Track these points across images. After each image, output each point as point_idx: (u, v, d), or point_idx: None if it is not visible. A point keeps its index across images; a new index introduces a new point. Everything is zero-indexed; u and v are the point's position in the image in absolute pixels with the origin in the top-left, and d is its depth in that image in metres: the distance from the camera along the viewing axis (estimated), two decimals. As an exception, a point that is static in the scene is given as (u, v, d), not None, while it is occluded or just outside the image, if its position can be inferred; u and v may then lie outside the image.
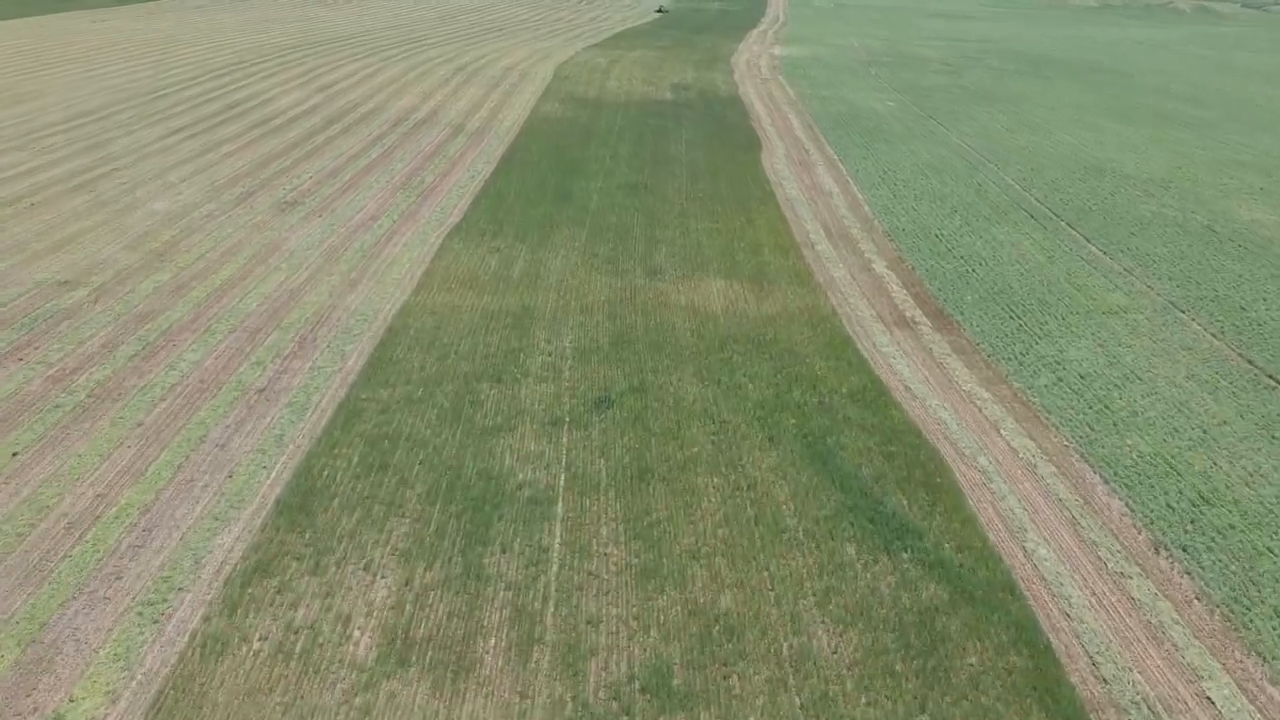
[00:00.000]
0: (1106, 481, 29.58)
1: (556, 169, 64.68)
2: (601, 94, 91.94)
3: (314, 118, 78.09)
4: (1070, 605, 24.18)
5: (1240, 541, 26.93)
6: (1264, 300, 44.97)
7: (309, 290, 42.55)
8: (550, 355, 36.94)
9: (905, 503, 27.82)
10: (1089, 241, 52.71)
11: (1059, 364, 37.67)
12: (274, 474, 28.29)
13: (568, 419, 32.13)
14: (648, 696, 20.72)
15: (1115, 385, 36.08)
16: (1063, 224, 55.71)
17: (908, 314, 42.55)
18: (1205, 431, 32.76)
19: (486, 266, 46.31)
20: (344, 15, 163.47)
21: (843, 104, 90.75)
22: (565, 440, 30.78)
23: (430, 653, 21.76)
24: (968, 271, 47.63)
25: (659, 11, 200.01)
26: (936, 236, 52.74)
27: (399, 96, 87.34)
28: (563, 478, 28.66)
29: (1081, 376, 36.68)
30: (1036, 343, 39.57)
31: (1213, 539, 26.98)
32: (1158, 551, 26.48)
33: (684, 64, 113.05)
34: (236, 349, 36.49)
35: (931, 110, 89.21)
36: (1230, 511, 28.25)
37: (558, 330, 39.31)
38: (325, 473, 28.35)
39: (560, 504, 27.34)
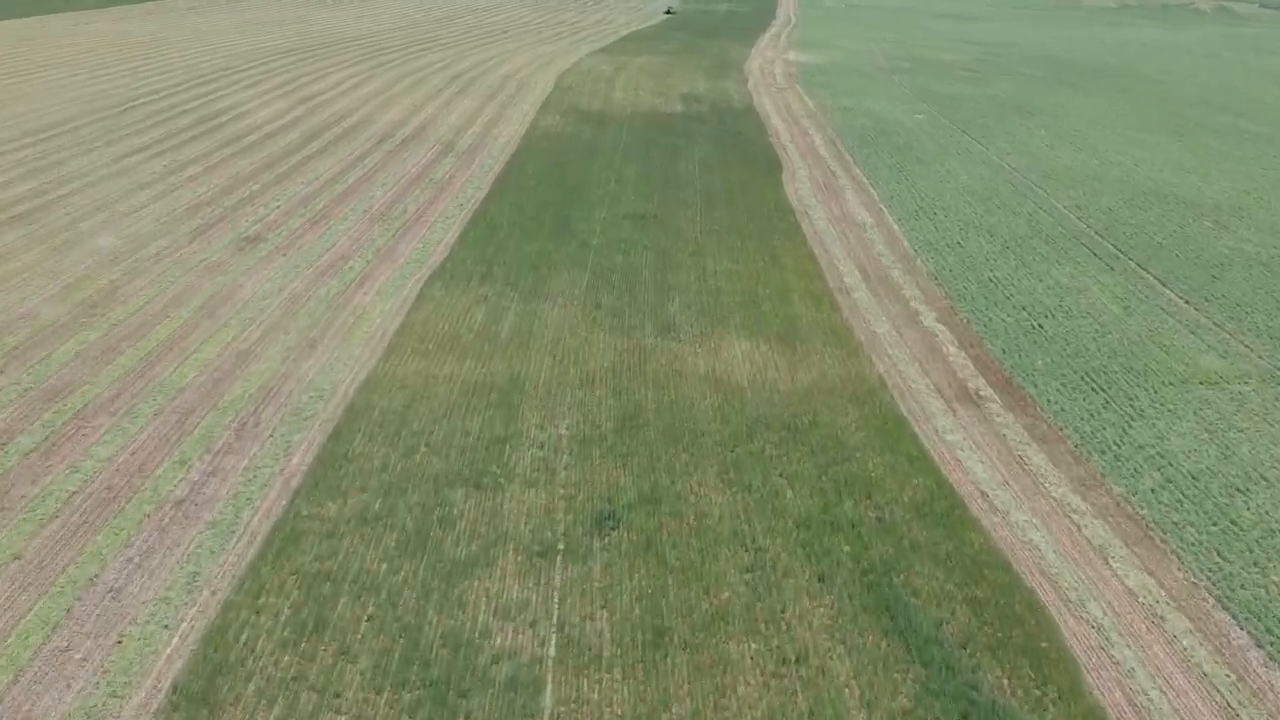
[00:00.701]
0: (1260, 644, 22.85)
1: (555, 194, 58.04)
2: (606, 105, 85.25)
3: (292, 133, 71.55)
4: None
5: None
6: (1386, 364, 38.20)
7: (259, 354, 35.95)
8: (542, 447, 30.26)
9: (1006, 684, 21.10)
10: (1165, 286, 45.86)
11: (1162, 457, 30.89)
12: (176, 638, 21.66)
13: (561, 546, 25.44)
14: None
15: (1237, 489, 29.30)
16: (1132, 264, 48.84)
17: (970, 384, 35.80)
18: (1364, 559, 26.01)
19: (471, 321, 39.67)
20: (343, 17, 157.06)
21: (867, 116, 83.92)
22: (557, 580, 24.09)
23: None
24: (1033, 326, 40.84)
25: (667, 13, 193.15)
26: (990, 280, 45.96)
27: (387, 108, 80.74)
28: (553, 643, 21.98)
29: (1193, 476, 29.89)
30: (1130, 426, 32.77)
31: None
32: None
33: (694, 71, 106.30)
34: (160, 439, 29.87)
35: (963, 124, 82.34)
36: None
37: (552, 410, 32.66)
38: (243, 638, 21.70)
39: (549, 689, 20.67)
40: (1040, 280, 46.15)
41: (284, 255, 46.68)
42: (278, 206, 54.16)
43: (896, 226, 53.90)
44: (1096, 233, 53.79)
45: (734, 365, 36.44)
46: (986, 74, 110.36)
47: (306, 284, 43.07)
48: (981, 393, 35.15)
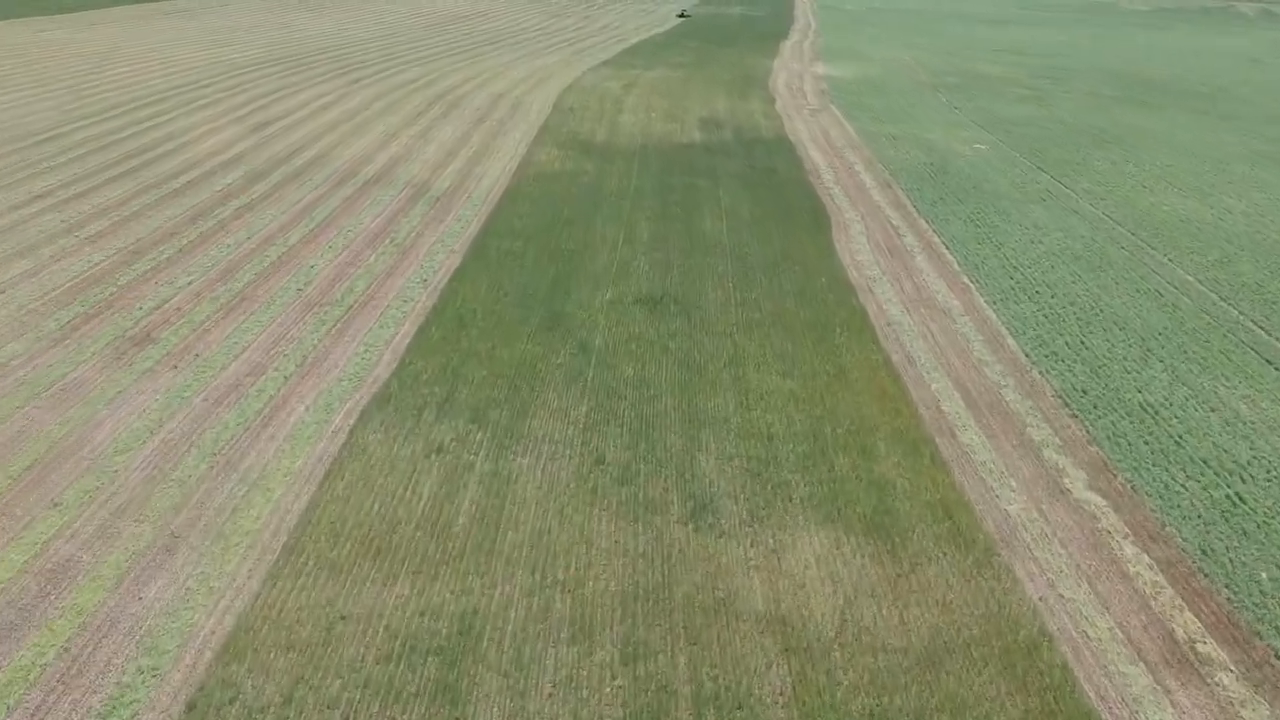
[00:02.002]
0: None
1: (547, 263, 45.52)
2: (612, 134, 72.69)
3: (234, 172, 59.19)
4: None
5: None
6: None
7: (78, 576, 23.55)
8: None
9: None
10: (1387, 417, 33.19)
11: None
12: None
13: None
14: None
15: None
16: (1326, 377, 36.19)
17: (1175, 627, 23.18)
18: None
19: (412, 495, 27.19)
20: (326, 25, 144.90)
21: (920, 148, 71.20)
22: None
23: None
24: (1231, 500, 28.17)
25: (681, 15, 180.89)
26: (1143, 408, 33.28)
27: (354, 138, 68.31)
28: None
29: None
30: None
31: None
32: None
33: (713, 88, 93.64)
34: None
35: (1035, 156, 69.55)
36: None
37: (523, 700, 20.20)
38: None
39: None
40: (1212, 409, 33.43)
41: (174, 369, 34.26)
42: (188, 284, 41.77)
43: (992, 313, 41.20)
44: (1255, 322, 41.04)
45: (808, 589, 23.84)
46: (1043, 91, 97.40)
47: (191, 422, 30.63)
48: (1199, 648, 22.54)
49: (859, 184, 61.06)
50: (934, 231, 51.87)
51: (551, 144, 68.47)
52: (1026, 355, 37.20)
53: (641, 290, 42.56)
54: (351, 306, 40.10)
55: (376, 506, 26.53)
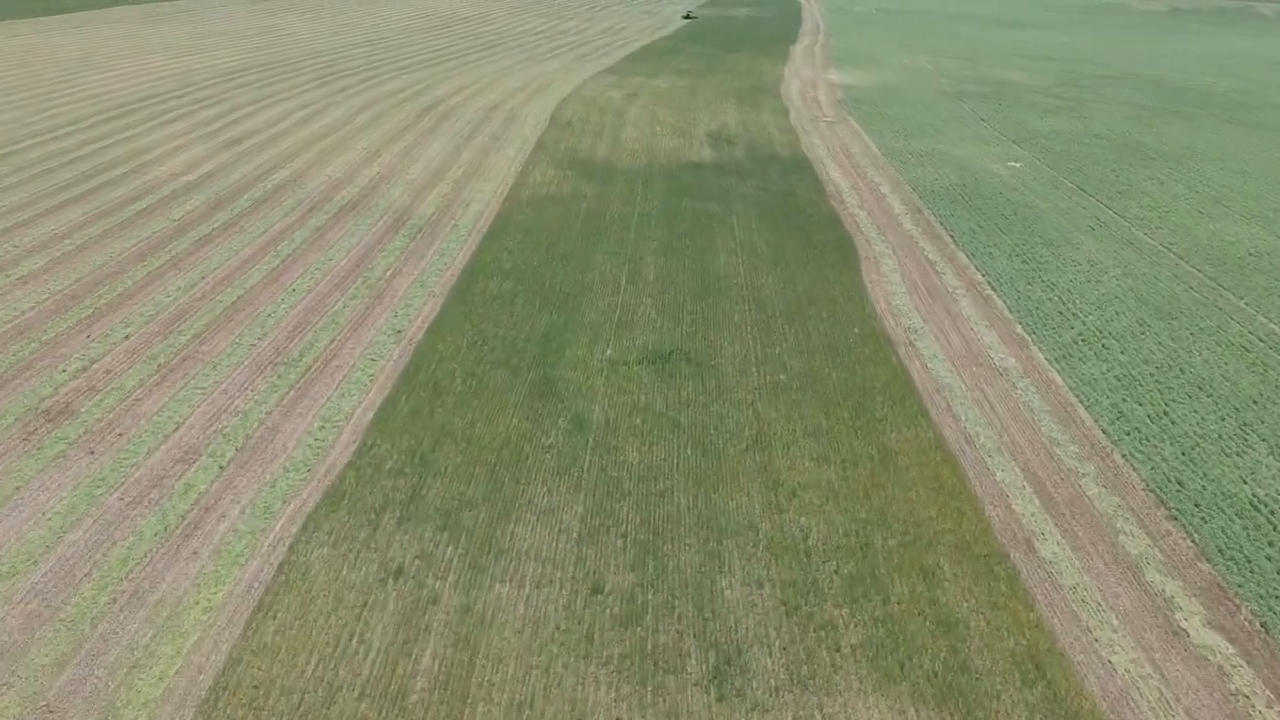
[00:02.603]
0: None
1: (539, 312, 39.81)
2: (614, 150, 66.97)
3: (197, 196, 53.60)
4: None
5: None
6: None
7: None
8: None
9: None
10: None
11: None
12: None
13: None
14: None
15: None
16: None
17: None
18: None
19: (359, 645, 21.44)
20: (317, 28, 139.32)
21: (950, 166, 65.42)
22: None
23: None
24: (1392, 645, 22.52)
25: (686, 17, 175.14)
26: (1253, 504, 27.49)
27: (332, 157, 62.65)
28: None
29: None
30: None
31: None
32: None
33: (722, 97, 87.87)
34: None
35: (1077, 176, 63.77)
36: None
37: None
38: None
39: None
40: (1340, 507, 27.74)
41: (90, 453, 28.62)
42: (124, 338, 36.15)
43: (1057, 375, 35.46)
44: (1363, 385, 35.35)
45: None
46: (1074, 100, 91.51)
47: (99, 532, 24.99)
48: None
49: (887, 210, 55.29)
50: (976, 268, 46.11)
51: (548, 162, 62.76)
52: (1104, 432, 31.47)
53: (648, 344, 36.86)
54: (310, 367, 34.44)
55: (313, 664, 20.87)
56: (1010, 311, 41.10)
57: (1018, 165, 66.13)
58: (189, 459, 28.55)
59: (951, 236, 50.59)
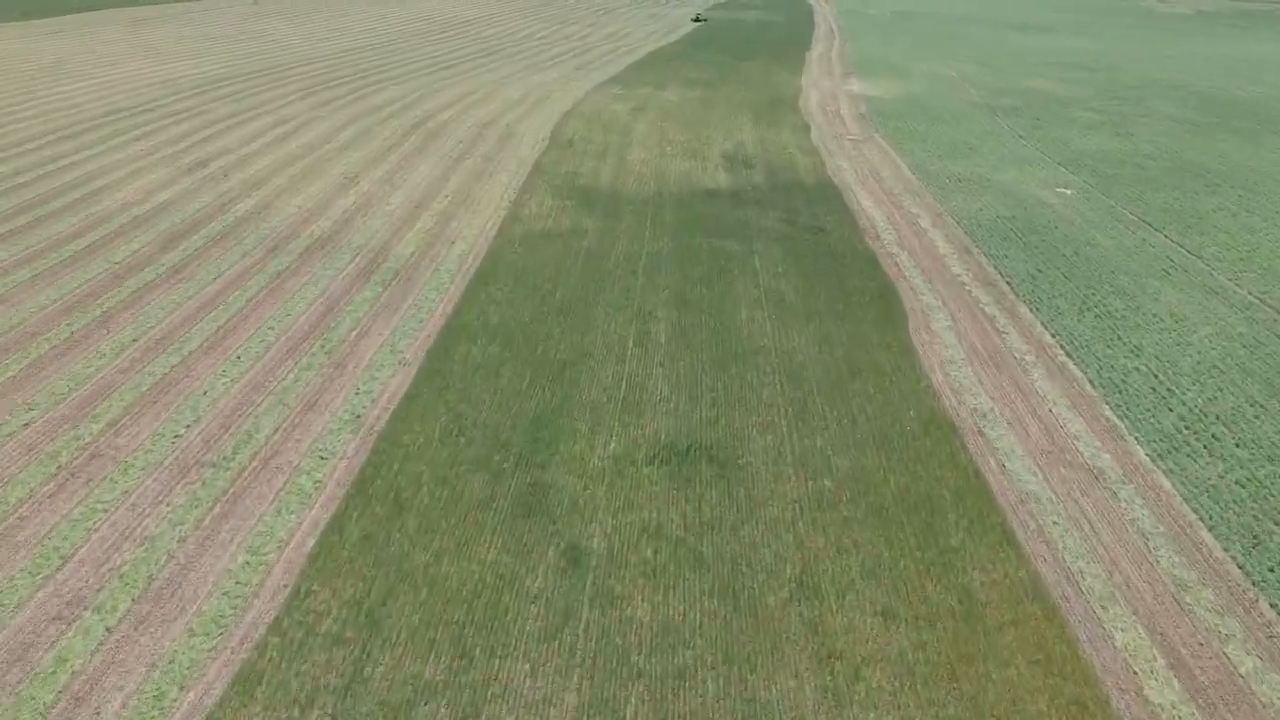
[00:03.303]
0: None
1: (528, 388, 33.20)
2: (620, 175, 60.33)
3: (146, 232, 47.15)
4: None
5: None
6: None
7: None
8: None
9: None
10: None
11: None
12: None
13: None
14: None
15: None
16: None
17: None
18: None
19: None
20: (308, 32, 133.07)
21: (994, 193, 58.68)
22: None
23: None
24: None
25: (696, 20, 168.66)
26: None
27: (304, 183, 56.18)
28: None
29: None
30: None
31: None
32: None
33: (736, 112, 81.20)
34: None
35: (1136, 205, 56.99)
36: None
37: None
38: None
39: None
40: None
41: (-60, 605, 22.20)
42: (23, 425, 29.64)
43: (1165, 478, 28.69)
44: None
45: None
46: (1115, 115, 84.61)
47: (-80, 743, 18.59)
48: None
49: (930, 249, 48.59)
50: (1043, 326, 39.37)
51: (545, 190, 56.18)
52: (1241, 568, 24.79)
53: (660, 435, 30.25)
54: (244, 470, 27.91)
55: None
56: (1093, 386, 34.40)
57: (1069, 192, 59.37)
58: (69, 615, 22.06)
59: (1009, 283, 43.88)
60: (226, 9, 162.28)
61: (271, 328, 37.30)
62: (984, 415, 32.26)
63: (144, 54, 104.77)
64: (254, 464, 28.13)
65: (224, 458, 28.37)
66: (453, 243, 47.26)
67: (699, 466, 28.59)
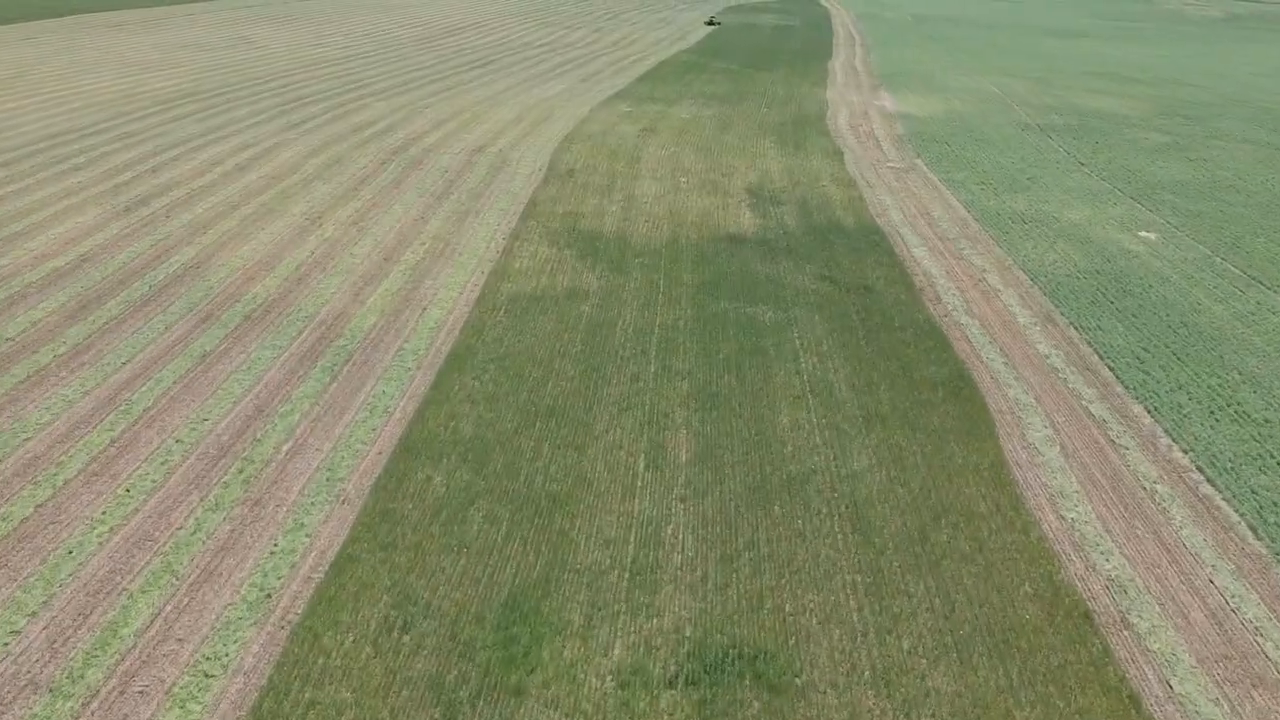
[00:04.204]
0: None
1: (503, 542, 24.56)
2: (628, 216, 51.87)
3: (53, 297, 38.85)
4: None
5: None
6: None
7: None
8: None
9: None
10: None
11: None
12: None
13: None
14: None
15: None
16: None
17: None
18: None
19: None
20: (294, 38, 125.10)
21: (1067, 238, 50.01)
22: None
23: None
24: None
25: (710, 24, 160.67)
26: None
27: (256, 227, 47.86)
28: None
29: None
30: None
31: None
32: None
33: (758, 133, 72.67)
34: None
35: (1239, 255, 48.24)
36: None
37: None
38: None
39: None
40: None
41: None
42: None
43: None
44: None
45: None
46: (1183, 136, 75.82)
47: None
48: None
49: (1005, 316, 39.99)
50: (1169, 436, 30.73)
51: (540, 236, 47.75)
52: None
53: (683, 629, 21.79)
54: (96, 693, 19.59)
55: None
56: (1256, 534, 25.79)
57: (1153, 237, 50.72)
58: None
59: (1112, 368, 35.29)
60: (215, 12, 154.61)
61: (181, 440, 28.98)
62: (1123, 589, 23.70)
63: (112, 64, 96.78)
64: (108, 688, 19.80)
65: (71, 673, 20.04)
66: (425, 309, 38.86)
67: (739, 691, 20.13)
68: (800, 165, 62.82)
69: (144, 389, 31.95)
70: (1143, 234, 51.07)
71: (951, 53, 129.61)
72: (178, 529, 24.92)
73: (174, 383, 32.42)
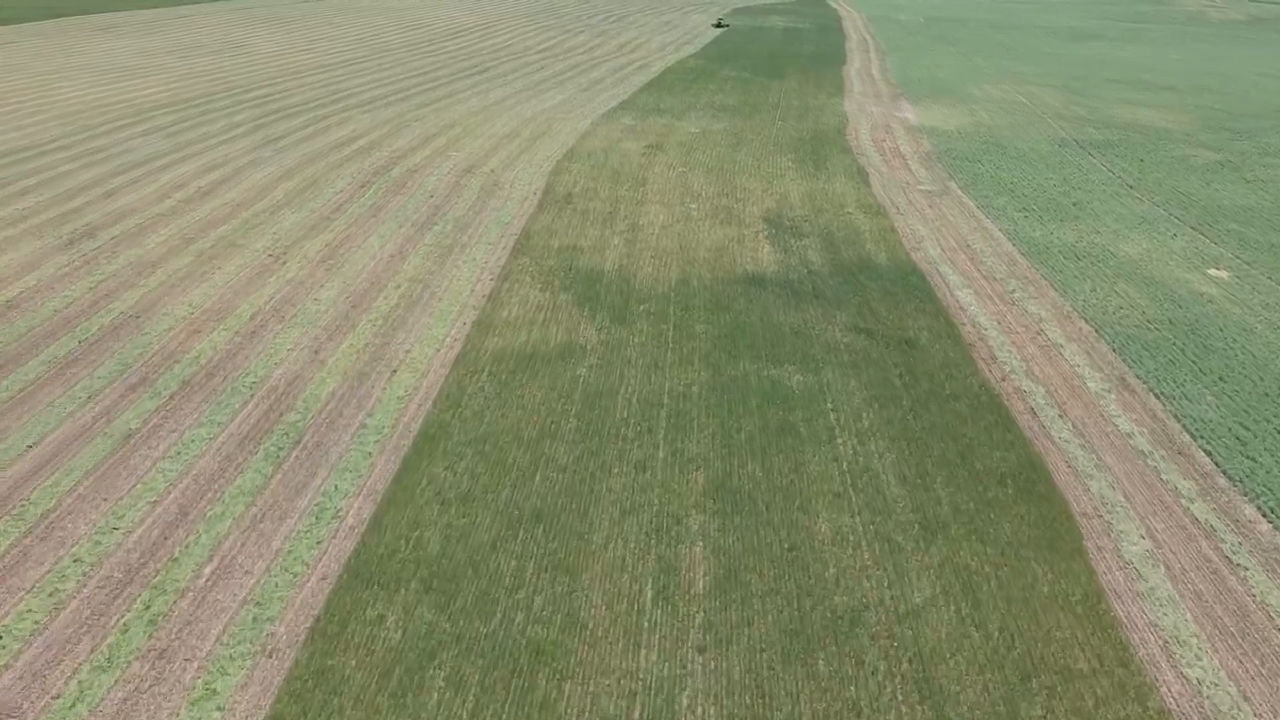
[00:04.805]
0: None
1: (475, 714, 19.44)
2: (632, 251, 46.19)
3: (-35, 354, 33.49)
4: None
5: None
6: None
7: None
8: None
9: None
10: None
11: None
12: None
13: None
14: None
15: None
16: None
17: None
18: None
19: None
20: (284, 42, 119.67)
21: (1128, 278, 44.14)
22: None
23: None
24: None
25: (717, 26, 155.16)
26: None
27: (209, 267, 42.24)
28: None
29: None
30: None
31: None
32: None
33: (774, 151, 66.97)
34: None
35: (1320, 295, 42.56)
36: None
37: None
38: None
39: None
40: None
41: None
42: None
43: None
44: None
45: None
46: (1238, 155, 69.79)
47: None
48: None
49: (1074, 382, 34.23)
50: (1298, 550, 25.12)
51: (532, 277, 42.12)
52: None
53: None
54: None
55: None
56: None
57: (1224, 275, 44.95)
58: None
59: (1208, 451, 29.56)
60: (212, 14, 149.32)
61: (80, 560, 23.47)
62: (1287, 800, 18.08)
63: (92, 70, 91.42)
64: None
65: None
66: (394, 371, 33.30)
67: None
68: (822, 188, 57.10)
69: (48, 483, 26.44)
70: (1212, 272, 45.32)
71: (968, 58, 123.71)
72: (53, 699, 19.41)
73: (85, 474, 26.89)
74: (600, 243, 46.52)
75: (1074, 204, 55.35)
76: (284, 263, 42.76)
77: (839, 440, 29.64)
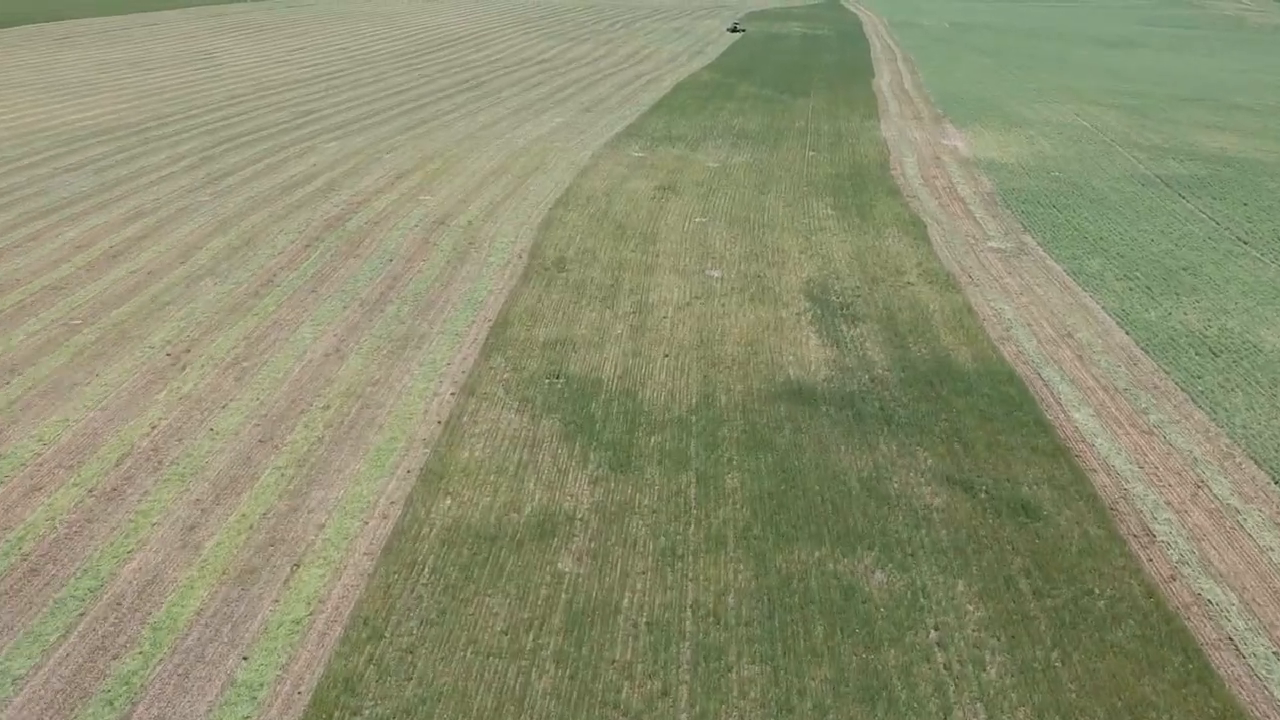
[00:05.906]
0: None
1: None
2: (639, 349, 35.78)
3: None
4: None
5: None
6: None
7: None
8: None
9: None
10: None
11: None
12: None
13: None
14: None
15: None
16: None
17: None
18: None
19: None
20: (258, 54, 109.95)
21: (1288, 384, 34.01)
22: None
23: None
24: None
25: (733, 30, 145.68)
26: None
27: (78, 380, 32.05)
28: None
29: None
30: None
31: None
32: None
33: (810, 194, 56.53)
34: None
35: None
36: None
37: None
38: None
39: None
40: None
41: None
42: None
43: None
44: None
45: None
46: (1343, 189, 59.29)
47: None
48: None
49: (1273, 580, 23.96)
50: None
51: (505, 394, 31.81)
52: None
53: None
54: None
55: None
56: None
57: None
58: None
59: None
60: (183, 22, 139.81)
61: None
62: None
63: (33, 89, 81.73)
64: None
65: None
66: (295, 568, 23.09)
67: None
68: (872, 246, 46.66)
69: None
70: (1395, 374, 34.87)
71: (1007, 69, 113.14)
72: None
73: None
74: (599, 333, 36.22)
75: (1184, 268, 44.90)
76: (183, 368, 32.62)
77: (954, 705, 19.34)
